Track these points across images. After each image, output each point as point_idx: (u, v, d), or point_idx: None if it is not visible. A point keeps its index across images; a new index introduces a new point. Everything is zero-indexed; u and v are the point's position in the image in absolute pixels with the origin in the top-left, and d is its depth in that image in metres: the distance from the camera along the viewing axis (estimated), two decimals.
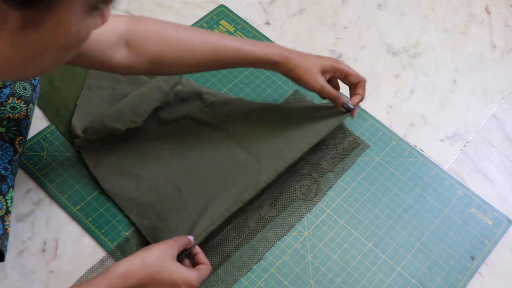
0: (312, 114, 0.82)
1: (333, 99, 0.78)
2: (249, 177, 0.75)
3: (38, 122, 0.85)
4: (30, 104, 0.76)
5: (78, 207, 0.77)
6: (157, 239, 0.71)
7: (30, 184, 0.79)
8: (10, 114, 0.73)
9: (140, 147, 0.81)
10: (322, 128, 0.79)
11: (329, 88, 0.76)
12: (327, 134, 0.79)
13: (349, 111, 0.78)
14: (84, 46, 0.60)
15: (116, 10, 0.99)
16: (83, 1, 0.38)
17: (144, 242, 0.74)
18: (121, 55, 0.66)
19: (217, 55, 0.71)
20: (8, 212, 0.70)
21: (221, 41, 0.72)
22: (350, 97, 0.81)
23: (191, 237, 0.68)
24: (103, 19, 0.44)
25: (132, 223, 0.76)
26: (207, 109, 0.84)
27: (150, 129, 0.82)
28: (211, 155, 0.80)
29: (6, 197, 0.69)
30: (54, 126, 0.84)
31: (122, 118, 0.81)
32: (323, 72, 0.76)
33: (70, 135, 0.82)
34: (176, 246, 0.65)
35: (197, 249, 0.69)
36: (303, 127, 0.80)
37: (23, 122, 0.74)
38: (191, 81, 0.85)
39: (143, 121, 0.81)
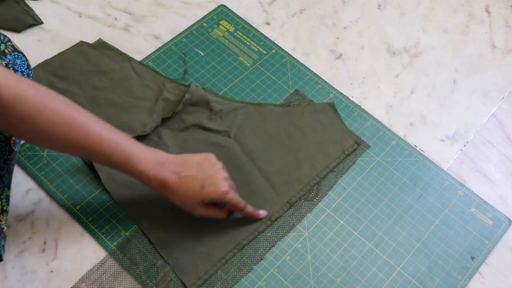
0: (318, 128, 0.86)
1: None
2: (262, 205, 0.78)
3: None
4: None
5: (78, 207, 0.77)
6: (172, 258, 0.73)
7: (30, 184, 0.79)
8: None
9: None
10: (330, 157, 0.83)
11: (214, 214, 0.72)
12: (334, 166, 0.83)
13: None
14: None
15: (117, 10, 0.99)
16: None
17: (146, 242, 0.74)
18: None
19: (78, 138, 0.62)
20: (4, 211, 0.69)
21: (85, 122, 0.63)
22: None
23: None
24: None
25: (132, 223, 0.76)
26: (216, 117, 0.85)
27: (161, 139, 0.82)
28: None
29: (2, 196, 0.69)
30: None
31: (133, 130, 0.82)
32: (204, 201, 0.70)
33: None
34: None
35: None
36: (311, 148, 0.84)
37: None
38: (199, 88, 0.85)
39: (152, 130, 0.82)
